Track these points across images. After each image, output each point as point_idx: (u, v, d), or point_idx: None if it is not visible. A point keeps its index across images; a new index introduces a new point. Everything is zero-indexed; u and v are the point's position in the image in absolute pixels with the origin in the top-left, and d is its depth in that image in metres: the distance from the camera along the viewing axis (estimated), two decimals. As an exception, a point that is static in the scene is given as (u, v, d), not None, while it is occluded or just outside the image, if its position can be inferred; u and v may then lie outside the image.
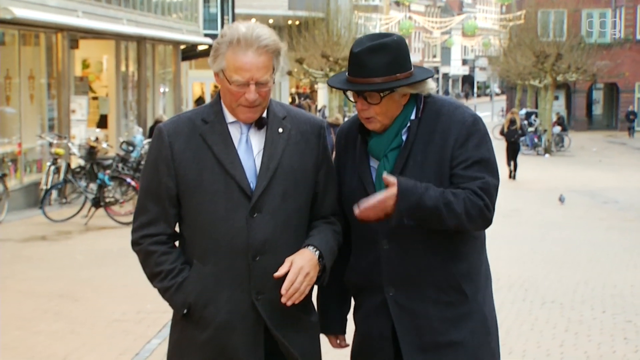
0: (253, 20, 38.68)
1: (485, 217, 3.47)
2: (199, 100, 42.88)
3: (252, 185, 3.44)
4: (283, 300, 3.35)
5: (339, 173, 3.71)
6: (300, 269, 3.38)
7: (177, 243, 3.58)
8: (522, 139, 33.60)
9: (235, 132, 3.49)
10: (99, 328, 8.52)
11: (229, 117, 3.49)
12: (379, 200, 3.40)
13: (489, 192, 3.48)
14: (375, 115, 3.53)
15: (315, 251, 3.45)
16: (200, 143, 3.45)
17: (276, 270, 3.38)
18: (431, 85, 3.60)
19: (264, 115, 3.50)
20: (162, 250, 3.50)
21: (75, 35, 21.85)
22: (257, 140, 3.50)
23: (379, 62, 3.48)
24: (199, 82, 43.43)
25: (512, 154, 28.02)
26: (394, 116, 3.56)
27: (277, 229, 3.44)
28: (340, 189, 3.67)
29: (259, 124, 3.49)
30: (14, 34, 18.98)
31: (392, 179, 3.42)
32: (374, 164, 3.61)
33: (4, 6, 16.89)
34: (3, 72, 18.62)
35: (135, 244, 3.53)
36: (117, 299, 9.66)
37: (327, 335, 3.77)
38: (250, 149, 3.48)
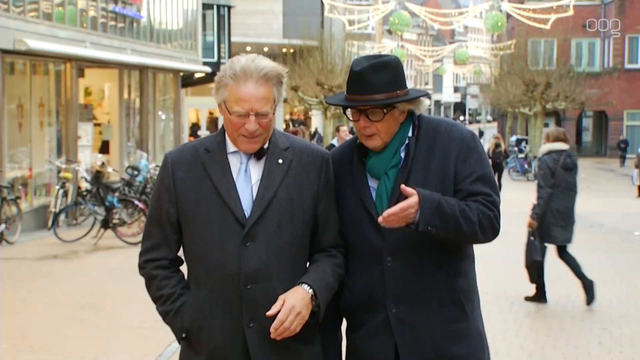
0: (248, 48, 39.27)
1: (494, 227, 3.58)
2: (194, 127, 43.74)
3: (247, 214, 3.50)
4: (272, 336, 3.42)
5: (336, 197, 3.74)
6: (291, 309, 3.41)
7: (183, 268, 3.69)
8: (508, 160, 36.23)
9: (235, 161, 3.57)
10: (122, 334, 9.36)
11: (231, 147, 3.58)
12: (401, 208, 3.45)
13: (496, 205, 3.60)
14: (378, 132, 3.62)
15: (309, 289, 3.48)
16: (201, 172, 3.55)
17: (268, 299, 3.44)
18: (426, 104, 3.72)
19: (265, 146, 3.58)
20: (164, 275, 3.61)
21: (82, 65, 22.77)
22: (256, 171, 3.56)
23: (381, 80, 3.58)
24: (194, 108, 44.24)
25: (497, 174, 30.58)
26: (394, 133, 3.66)
27: (270, 258, 3.48)
28: (340, 213, 3.70)
29: (259, 154, 3.56)
30: (26, 63, 19.89)
31: (410, 189, 3.49)
32: (372, 184, 3.68)
33: (19, 38, 17.80)
34: (15, 100, 19.51)
35: (140, 268, 3.67)
36: (135, 309, 10.48)
37: None
38: (248, 178, 3.55)
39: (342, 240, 3.69)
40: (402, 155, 3.66)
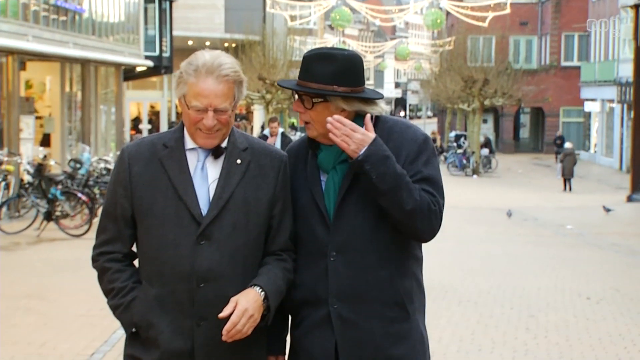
0: (190, 42, 39.39)
1: (432, 221, 3.54)
2: (136, 120, 43.76)
3: (204, 212, 3.48)
4: (223, 339, 3.41)
5: (291, 190, 3.70)
6: (244, 312, 3.40)
7: (136, 262, 3.66)
8: (447, 155, 38.32)
9: (192, 159, 3.54)
10: (68, 322, 9.61)
11: (189, 144, 3.55)
12: (352, 124, 3.49)
13: (439, 206, 3.57)
14: (310, 120, 3.61)
15: (261, 292, 3.47)
16: (158, 167, 3.52)
17: (219, 299, 3.43)
18: (377, 109, 3.64)
19: (224, 145, 3.56)
20: (116, 268, 3.58)
21: (23, 58, 22.81)
22: (213, 169, 3.54)
23: (320, 70, 3.55)
24: (135, 102, 44.21)
25: None
26: None
27: (223, 259, 3.47)
28: (293, 206, 3.68)
29: (217, 153, 3.55)
30: (-33, 56, 19.95)
31: (371, 126, 3.55)
32: (324, 178, 3.67)
33: (-39, 31, 17.89)
34: (-44, 92, 19.56)
35: (93, 261, 3.64)
36: (80, 299, 10.71)
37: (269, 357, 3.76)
38: (205, 177, 3.53)
39: (292, 245, 3.67)
40: None
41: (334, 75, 3.55)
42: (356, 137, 3.47)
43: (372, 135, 3.50)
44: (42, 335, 9.00)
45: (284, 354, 3.76)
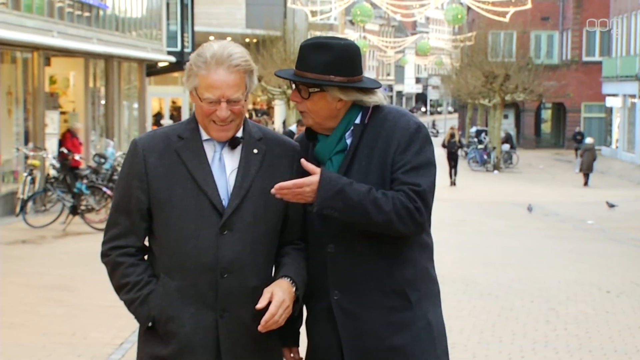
0: (211, 37, 39.62)
1: (415, 219, 3.49)
2: (158, 115, 44.03)
3: (225, 203, 3.46)
4: (260, 329, 3.41)
5: None
6: (282, 302, 3.41)
7: (146, 257, 3.61)
8: (468, 151, 39.78)
9: (209, 150, 3.52)
10: (96, 312, 9.82)
11: (204, 135, 3.53)
12: (295, 184, 3.44)
13: (422, 197, 3.50)
14: (307, 110, 3.60)
15: (292, 283, 3.49)
16: (174, 159, 3.48)
17: (242, 290, 3.44)
18: (375, 99, 3.62)
19: (239, 135, 3.55)
20: (130, 262, 3.53)
21: (48, 54, 23.08)
22: (230, 159, 3.52)
23: (316, 59, 3.53)
24: (157, 97, 44.47)
25: (453, 162, 32.39)
26: (326, 117, 3.61)
27: (245, 248, 3.46)
28: None
29: (233, 143, 3.53)
30: (-6, 52, 20.21)
31: (312, 167, 3.50)
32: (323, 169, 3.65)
33: (-13, 27, 18.16)
34: (-17, 88, 19.85)
35: (104, 256, 3.58)
36: (106, 290, 10.81)
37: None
38: (223, 167, 3.51)
39: (304, 233, 3.67)
40: (348, 142, 3.62)
41: (330, 65, 3.52)
42: (306, 192, 3.45)
43: (316, 179, 3.45)
44: (72, 325, 9.22)
45: (297, 345, 3.74)
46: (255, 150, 3.54)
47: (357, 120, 3.62)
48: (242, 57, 3.43)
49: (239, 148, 3.53)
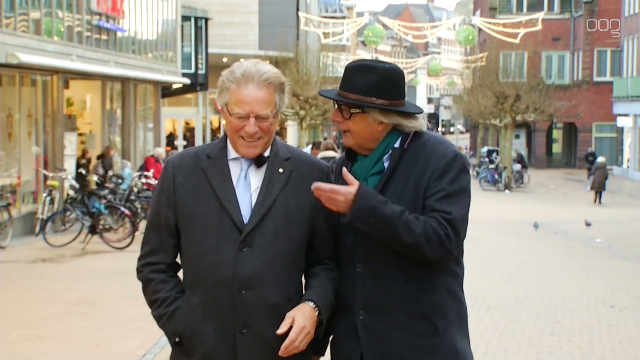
0: (224, 59, 39.89)
1: (444, 246, 3.48)
2: (170, 136, 44.51)
3: (245, 220, 3.52)
4: (280, 354, 3.46)
5: None
6: (302, 329, 3.45)
7: (180, 273, 3.70)
8: (479, 170, 40.75)
9: (235, 168, 3.58)
10: (119, 325, 10.24)
11: (232, 154, 3.59)
12: (332, 189, 3.50)
13: (453, 225, 3.51)
14: (348, 130, 3.64)
15: (315, 307, 3.51)
16: (201, 177, 3.57)
17: (261, 306, 3.48)
18: (415, 124, 3.65)
19: (266, 154, 3.60)
20: (160, 279, 3.62)
21: (67, 77, 23.63)
22: (256, 178, 3.58)
23: (360, 81, 3.57)
24: (170, 118, 44.96)
25: None
26: (366, 139, 3.64)
27: (265, 265, 3.49)
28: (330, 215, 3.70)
29: (259, 162, 3.58)
30: (14, 75, 20.75)
31: (352, 179, 3.54)
32: None
33: (10, 52, 18.68)
34: (5, 111, 20.37)
35: (138, 272, 3.69)
36: (128, 305, 11.36)
37: None
38: (248, 185, 3.57)
39: (336, 252, 3.71)
40: (386, 165, 3.64)
41: (372, 87, 3.56)
42: (339, 200, 3.49)
43: (353, 191, 3.50)
44: (96, 337, 9.65)
45: (321, 354, 3.79)
46: (280, 170, 3.59)
47: (397, 145, 3.65)
48: (272, 74, 3.50)
49: (265, 167, 3.59)
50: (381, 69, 3.59)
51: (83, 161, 25.24)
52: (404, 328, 3.57)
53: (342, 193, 3.49)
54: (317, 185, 3.50)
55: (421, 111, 3.67)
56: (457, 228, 3.51)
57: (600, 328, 10.47)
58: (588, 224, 24.42)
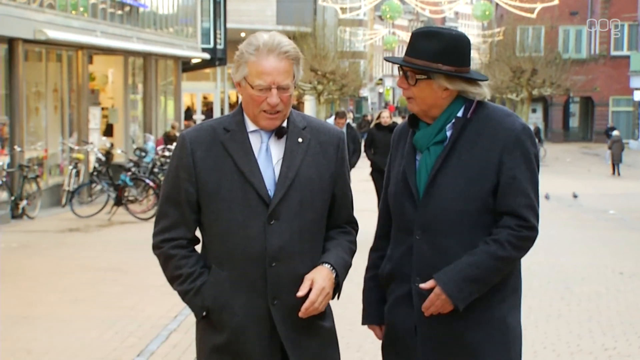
0: (242, 34, 40.24)
1: (530, 238, 3.61)
2: (188, 111, 44.97)
3: (271, 193, 3.52)
4: (300, 315, 3.50)
5: (390, 168, 3.78)
6: (322, 290, 3.50)
7: (198, 247, 3.69)
8: None
9: (255, 141, 3.57)
10: (149, 291, 10.79)
11: (250, 126, 3.57)
12: (430, 299, 3.56)
13: (534, 210, 3.60)
14: (413, 97, 3.63)
15: (332, 269, 3.56)
16: (221, 151, 3.54)
17: (291, 277, 3.52)
18: (480, 91, 3.64)
19: (284, 125, 3.59)
20: (182, 254, 3.60)
21: (91, 52, 24.15)
22: (276, 150, 3.57)
23: (426, 47, 3.56)
24: (189, 92, 45.40)
25: None
26: (431, 105, 3.63)
27: (293, 237, 3.52)
28: (390, 182, 3.75)
29: (279, 133, 3.57)
30: (41, 51, 21.29)
31: (426, 285, 3.57)
32: (420, 157, 3.68)
33: (38, 29, 19.22)
34: (32, 86, 20.92)
35: (155, 248, 3.65)
36: (156, 272, 11.76)
37: (369, 326, 3.87)
38: (269, 158, 3.56)
39: (355, 217, 3.77)
40: (449, 133, 3.64)
41: (439, 53, 3.55)
42: (438, 304, 3.56)
43: (439, 291, 3.54)
44: (130, 301, 10.22)
45: (383, 323, 3.84)
46: (299, 139, 3.59)
47: (460, 114, 3.64)
48: (290, 44, 3.51)
49: (284, 138, 3.60)
50: (447, 35, 3.61)
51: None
52: None
53: (433, 300, 3.55)
54: (427, 307, 3.58)
55: (486, 79, 3.70)
56: (535, 209, 3.62)
57: (608, 294, 10.95)
58: (575, 196, 24.93)
